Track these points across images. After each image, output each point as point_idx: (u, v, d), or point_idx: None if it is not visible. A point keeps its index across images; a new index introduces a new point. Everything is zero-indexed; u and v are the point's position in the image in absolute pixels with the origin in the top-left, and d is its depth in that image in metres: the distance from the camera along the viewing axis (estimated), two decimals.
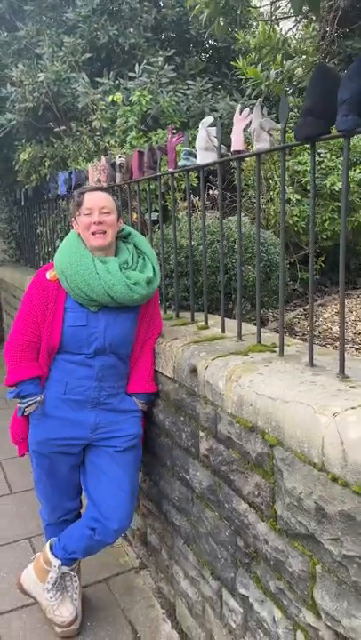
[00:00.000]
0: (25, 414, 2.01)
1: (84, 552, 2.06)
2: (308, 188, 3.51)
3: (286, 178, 3.60)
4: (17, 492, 3.14)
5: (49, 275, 2.01)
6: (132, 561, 2.51)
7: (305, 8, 1.86)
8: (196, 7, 2.39)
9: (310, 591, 1.28)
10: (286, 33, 2.82)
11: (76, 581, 2.12)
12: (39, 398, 1.99)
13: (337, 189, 3.74)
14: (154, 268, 2.05)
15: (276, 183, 3.76)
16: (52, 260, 2.07)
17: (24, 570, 2.20)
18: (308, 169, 3.61)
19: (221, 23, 2.35)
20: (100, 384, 2.00)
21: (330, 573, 1.22)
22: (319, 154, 3.86)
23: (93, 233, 1.95)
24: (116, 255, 2.04)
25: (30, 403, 1.98)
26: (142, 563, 2.48)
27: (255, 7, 3.47)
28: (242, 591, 1.61)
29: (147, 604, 2.23)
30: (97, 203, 1.96)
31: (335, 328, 3.42)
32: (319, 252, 4.06)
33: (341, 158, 3.79)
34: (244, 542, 1.58)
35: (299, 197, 3.77)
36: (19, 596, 2.21)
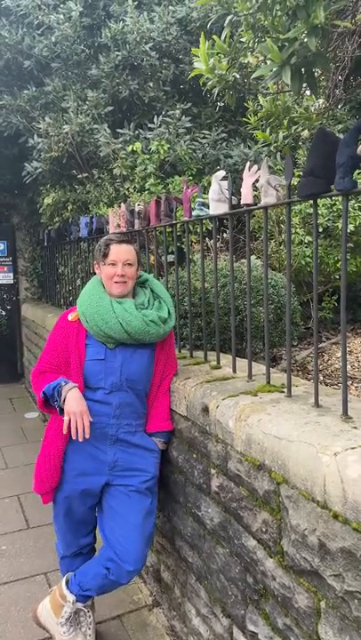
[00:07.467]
0: (63, 402, 1.95)
1: (98, 590, 2.11)
2: (321, 229, 3.67)
3: (298, 221, 3.75)
4: (34, 527, 3.20)
5: (70, 316, 2.18)
6: (146, 598, 2.54)
7: (304, 88, 2.04)
8: (209, 83, 2.63)
9: (315, 627, 1.33)
10: (291, 103, 3.07)
11: (90, 617, 2.16)
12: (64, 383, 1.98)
13: (349, 231, 3.87)
14: (169, 310, 2.18)
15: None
16: (74, 300, 2.22)
17: (40, 603, 2.25)
18: (321, 212, 3.76)
19: (231, 94, 2.58)
20: (118, 421, 2.09)
21: (333, 609, 1.26)
22: (330, 198, 4.01)
23: (116, 282, 2.10)
24: (133, 298, 2.18)
25: (58, 388, 1.97)
26: (155, 600, 2.50)
27: (260, 84, 3.76)
28: (251, 628, 1.65)
29: None
30: (121, 256, 2.10)
31: (348, 367, 3.47)
32: (332, 290, 4.16)
33: (352, 201, 3.93)
34: (254, 579, 1.63)
35: (311, 239, 3.90)
36: (35, 630, 2.26)
